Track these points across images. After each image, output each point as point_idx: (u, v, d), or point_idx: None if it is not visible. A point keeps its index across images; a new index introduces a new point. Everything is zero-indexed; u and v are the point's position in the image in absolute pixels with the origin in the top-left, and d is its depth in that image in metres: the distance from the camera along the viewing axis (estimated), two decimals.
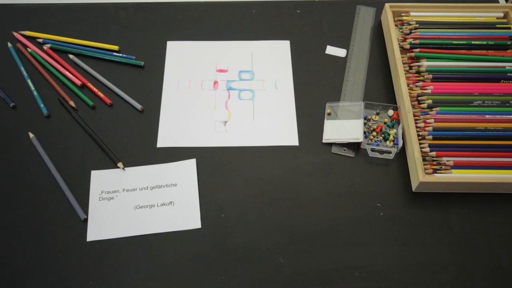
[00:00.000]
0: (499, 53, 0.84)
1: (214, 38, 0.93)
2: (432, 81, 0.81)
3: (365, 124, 0.80)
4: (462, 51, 0.85)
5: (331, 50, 0.91)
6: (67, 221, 0.71)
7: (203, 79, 0.87)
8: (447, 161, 0.73)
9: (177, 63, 0.89)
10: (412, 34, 0.87)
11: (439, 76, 0.82)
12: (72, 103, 0.83)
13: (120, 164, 0.76)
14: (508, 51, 0.85)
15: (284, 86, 0.86)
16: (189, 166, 0.76)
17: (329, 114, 0.82)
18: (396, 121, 0.80)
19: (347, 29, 0.95)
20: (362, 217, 0.72)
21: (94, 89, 0.85)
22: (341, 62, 0.89)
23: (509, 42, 0.85)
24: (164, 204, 0.73)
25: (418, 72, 0.83)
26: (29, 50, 0.90)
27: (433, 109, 0.78)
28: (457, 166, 0.73)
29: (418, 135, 0.75)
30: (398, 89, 0.81)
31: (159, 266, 0.68)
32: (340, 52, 0.91)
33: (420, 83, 0.81)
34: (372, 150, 0.77)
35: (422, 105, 0.79)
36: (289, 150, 0.79)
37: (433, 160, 0.74)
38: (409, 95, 0.79)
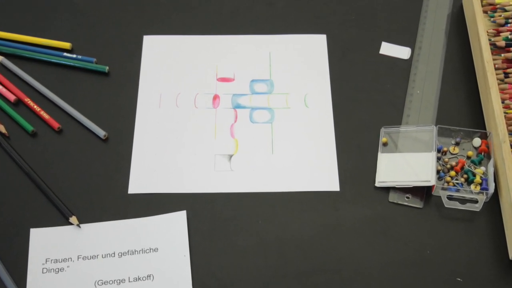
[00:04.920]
0: None
1: (213, 32, 0.98)
2: None
3: (438, 159, 0.84)
4: None
5: (388, 48, 0.96)
6: None
7: (197, 92, 0.92)
8: None
9: (159, 69, 0.94)
10: (509, 25, 0.92)
11: None
12: (2, 128, 0.87)
13: (73, 219, 0.80)
14: None
15: (319, 103, 0.91)
16: (177, 221, 0.80)
17: (385, 144, 0.86)
18: (485, 155, 0.84)
19: (412, 18, 0.99)
20: None
21: (35, 107, 0.89)
22: (403, 67, 0.94)
23: None
24: (139, 279, 0.76)
25: None
26: None
27: None
28: None
29: None
30: (488, 108, 0.86)
31: None
32: (402, 52, 0.96)
33: None
34: (449, 198, 0.81)
35: None
36: (326, 198, 0.83)
37: None
38: (505, 116, 0.83)
